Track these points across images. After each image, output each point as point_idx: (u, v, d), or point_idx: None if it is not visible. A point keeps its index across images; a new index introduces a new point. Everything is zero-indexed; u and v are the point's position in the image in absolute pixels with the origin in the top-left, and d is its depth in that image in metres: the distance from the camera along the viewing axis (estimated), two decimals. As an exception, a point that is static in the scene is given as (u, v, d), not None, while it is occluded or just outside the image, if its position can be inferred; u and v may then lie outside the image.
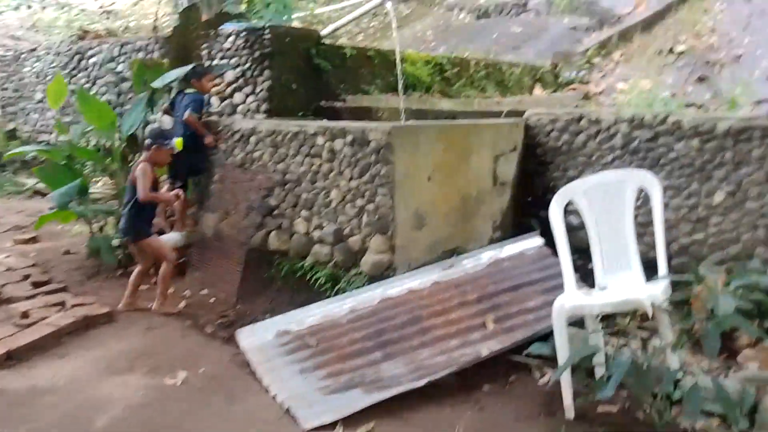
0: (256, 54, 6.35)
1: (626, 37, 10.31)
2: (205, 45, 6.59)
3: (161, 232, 5.31)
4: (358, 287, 3.94)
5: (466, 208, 4.51)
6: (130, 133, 5.12)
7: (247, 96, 6.53)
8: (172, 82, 4.97)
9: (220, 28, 6.47)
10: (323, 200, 4.26)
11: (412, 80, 7.49)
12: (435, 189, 4.21)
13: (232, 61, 6.55)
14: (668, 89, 8.89)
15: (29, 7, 11.13)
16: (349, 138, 4.01)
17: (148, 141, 4.29)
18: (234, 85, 6.60)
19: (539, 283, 3.99)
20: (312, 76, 6.63)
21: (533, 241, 4.40)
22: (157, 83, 4.91)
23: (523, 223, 5.09)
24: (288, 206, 4.53)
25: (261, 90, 6.39)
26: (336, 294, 4.12)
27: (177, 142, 4.38)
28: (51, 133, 8.95)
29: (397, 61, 6.18)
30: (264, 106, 6.38)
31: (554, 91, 9.53)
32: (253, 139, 4.73)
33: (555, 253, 4.34)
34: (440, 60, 7.85)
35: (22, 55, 9.46)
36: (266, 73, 6.33)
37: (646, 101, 8.19)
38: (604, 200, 3.16)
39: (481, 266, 4.09)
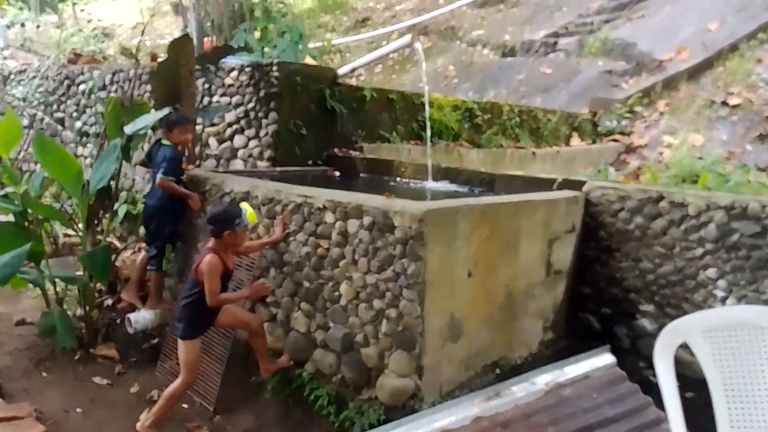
0: (262, 93, 5.47)
1: (671, 85, 9.39)
2: (204, 80, 5.73)
3: (133, 308, 4.37)
4: (370, 423, 2.95)
5: (513, 307, 3.53)
6: (100, 187, 4.19)
7: (249, 140, 5.64)
8: (140, 129, 4.06)
9: (221, 61, 5.61)
10: (330, 294, 3.29)
11: (438, 127, 6.58)
12: (476, 286, 3.24)
13: (234, 99, 5.67)
14: (722, 146, 7.93)
15: (23, 25, 10.39)
16: (367, 220, 3.05)
17: (212, 228, 3.19)
18: (235, 127, 5.72)
19: (613, 425, 2.98)
20: (324, 119, 5.74)
21: (601, 360, 3.41)
22: (128, 129, 4.01)
23: (580, 320, 4.12)
24: (285, 294, 3.56)
25: (265, 134, 5.50)
26: (341, 422, 3.13)
27: (249, 215, 3.21)
28: (36, 162, 8.10)
29: (426, 111, 5.27)
30: (268, 153, 5.48)
31: (593, 141, 8.61)
32: (245, 204, 3.78)
33: (629, 376, 3.38)
34: (470, 105, 6.94)
35: (11, 76, 8.65)
36: (272, 115, 5.44)
37: (696, 160, 7.23)
38: (738, 350, 2.17)
39: (536, 394, 3.09)
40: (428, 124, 5.36)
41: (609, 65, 11.15)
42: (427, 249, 2.88)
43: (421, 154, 6.10)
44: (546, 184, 4.31)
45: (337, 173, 5.44)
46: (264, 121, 5.50)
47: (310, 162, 5.65)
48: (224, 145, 5.78)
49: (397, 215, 2.93)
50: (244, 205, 3.25)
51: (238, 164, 5.68)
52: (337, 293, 3.25)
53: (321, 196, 3.31)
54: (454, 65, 13.79)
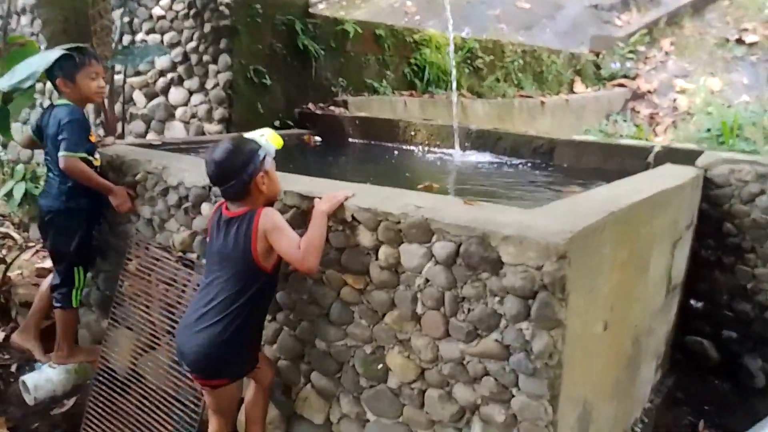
0: (207, 28, 3.92)
1: (674, 21, 8.26)
2: (123, 10, 4.09)
3: (30, 365, 2.91)
4: None
5: (637, 356, 2.29)
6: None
7: (192, 94, 4.11)
8: (24, 82, 2.47)
9: (146, -18, 3.98)
10: (368, 364, 1.94)
11: (435, 72, 5.19)
12: (609, 343, 1.96)
13: (168, 36, 4.09)
14: (745, 91, 6.90)
15: None
16: (444, 248, 1.69)
17: (231, 185, 1.85)
18: (170, 76, 4.16)
19: None
20: (295, 64, 4.26)
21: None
22: (2, 83, 2.45)
23: (688, 345, 2.95)
24: (284, 356, 2.18)
25: (215, 85, 3.98)
26: None
27: (270, 138, 1.92)
28: None
29: (450, 50, 3.85)
30: (219, 112, 3.98)
31: (597, 86, 7.40)
32: (206, 206, 2.33)
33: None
34: (471, 45, 5.55)
35: None
36: (223, 59, 3.91)
37: (727, 109, 6.16)
38: None
39: None
40: (453, 68, 3.95)
41: (594, -1, 9.92)
42: (569, 306, 1.56)
43: (419, 109, 4.73)
44: (633, 155, 3.05)
45: (318, 138, 4.00)
46: (212, 68, 3.96)
47: (277, 123, 4.18)
48: (156, 101, 4.22)
49: (508, 244, 1.58)
50: (256, 134, 1.93)
51: (177, 129, 4.14)
52: (380, 366, 1.90)
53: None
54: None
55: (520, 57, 6.12)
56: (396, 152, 3.68)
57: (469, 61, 5.51)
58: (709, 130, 5.77)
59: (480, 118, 5.27)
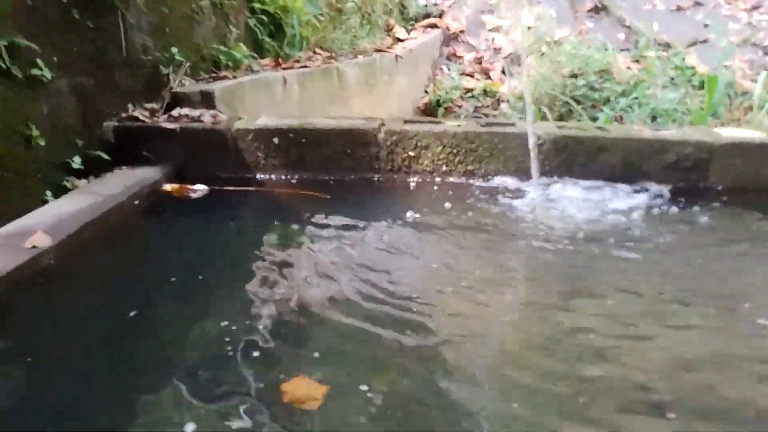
0: None
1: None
2: None
3: None
4: None
5: None
6: None
7: None
8: None
9: None
10: None
11: (289, 22, 3.23)
12: None
13: None
14: (558, 25, 6.29)
15: None
16: None
17: None
18: None
19: None
20: (88, 25, 1.93)
21: None
22: None
23: None
24: None
25: None
26: None
27: None
28: None
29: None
30: None
31: (406, 28, 6.02)
32: None
33: None
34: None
35: None
36: None
37: (573, 47, 5.42)
38: None
39: None
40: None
41: None
42: None
43: (300, 88, 2.78)
44: None
45: (200, 187, 1.85)
46: None
47: (78, 162, 1.86)
48: None
49: None
50: None
51: None
52: None
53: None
54: None
55: (353, -6, 4.38)
56: (397, 200, 1.81)
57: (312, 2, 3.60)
58: (575, 76, 4.94)
59: (353, 88, 3.51)
